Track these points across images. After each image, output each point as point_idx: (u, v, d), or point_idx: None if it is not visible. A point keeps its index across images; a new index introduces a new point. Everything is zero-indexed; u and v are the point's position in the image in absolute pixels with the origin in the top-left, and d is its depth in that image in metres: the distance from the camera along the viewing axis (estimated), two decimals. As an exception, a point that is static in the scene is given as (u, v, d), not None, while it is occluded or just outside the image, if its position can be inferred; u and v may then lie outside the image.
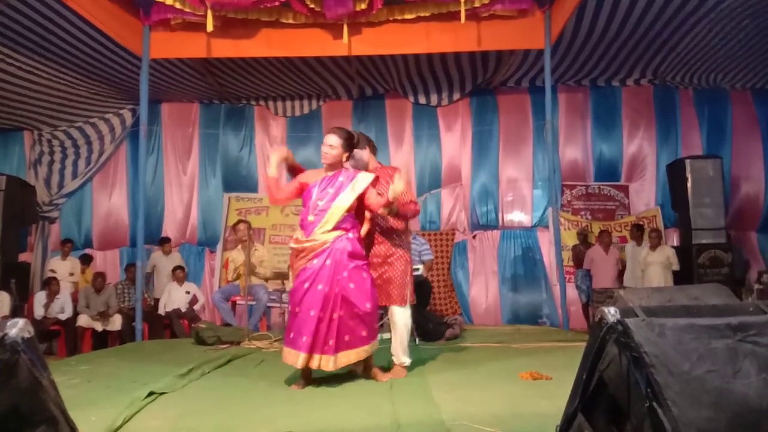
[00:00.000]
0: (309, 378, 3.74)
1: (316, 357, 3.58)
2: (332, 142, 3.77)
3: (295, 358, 3.59)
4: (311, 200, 3.75)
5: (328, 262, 3.62)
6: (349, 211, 3.74)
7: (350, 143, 3.84)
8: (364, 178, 3.80)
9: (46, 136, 8.96)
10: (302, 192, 3.85)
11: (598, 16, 6.90)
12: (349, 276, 3.63)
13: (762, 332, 1.75)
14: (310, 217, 3.72)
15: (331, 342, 3.57)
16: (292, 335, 3.64)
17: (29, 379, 1.70)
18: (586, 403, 1.91)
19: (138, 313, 6.79)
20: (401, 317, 4.03)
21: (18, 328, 1.71)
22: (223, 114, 9.36)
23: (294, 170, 4.08)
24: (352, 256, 3.67)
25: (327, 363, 3.58)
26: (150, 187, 8.82)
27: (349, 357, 3.64)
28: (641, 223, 8.42)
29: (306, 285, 3.63)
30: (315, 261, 3.65)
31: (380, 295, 3.91)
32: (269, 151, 3.97)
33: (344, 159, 3.85)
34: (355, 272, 3.65)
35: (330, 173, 3.81)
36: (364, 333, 3.67)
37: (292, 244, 3.80)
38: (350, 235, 3.72)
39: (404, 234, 4.14)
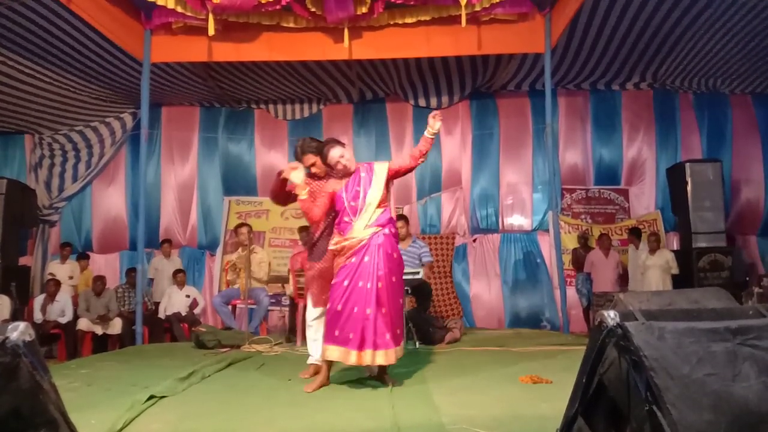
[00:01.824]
0: (326, 381, 3.76)
1: (369, 353, 3.59)
2: (344, 153, 3.85)
3: (346, 356, 3.62)
4: (344, 203, 3.79)
5: (366, 258, 3.66)
6: (380, 204, 3.78)
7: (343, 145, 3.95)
8: (381, 166, 3.88)
9: (47, 140, 8.98)
10: (333, 201, 3.90)
11: (597, 20, 6.92)
12: (385, 276, 3.65)
13: (761, 336, 1.76)
14: (346, 218, 3.78)
15: (388, 336, 3.59)
16: (337, 333, 3.64)
17: (30, 382, 1.71)
18: (586, 406, 1.92)
19: (138, 317, 6.79)
20: None
21: (19, 332, 1.72)
22: (224, 117, 9.37)
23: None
24: (389, 255, 3.70)
25: (389, 356, 3.59)
26: (149, 191, 8.83)
27: (398, 352, 3.67)
28: (639, 227, 8.41)
29: (346, 282, 3.66)
30: (354, 258, 3.69)
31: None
32: (288, 173, 3.98)
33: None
34: (390, 273, 3.68)
35: (349, 178, 3.87)
36: (398, 331, 3.72)
37: (332, 246, 3.85)
38: (386, 230, 3.75)
39: None
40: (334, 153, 3.84)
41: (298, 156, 4.13)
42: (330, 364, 3.75)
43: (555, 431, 2.03)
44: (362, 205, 3.75)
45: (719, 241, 7.80)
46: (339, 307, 3.65)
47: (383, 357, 3.60)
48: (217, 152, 9.28)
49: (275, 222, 9.22)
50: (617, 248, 8.32)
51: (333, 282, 3.76)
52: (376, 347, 3.58)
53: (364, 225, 3.72)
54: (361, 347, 3.58)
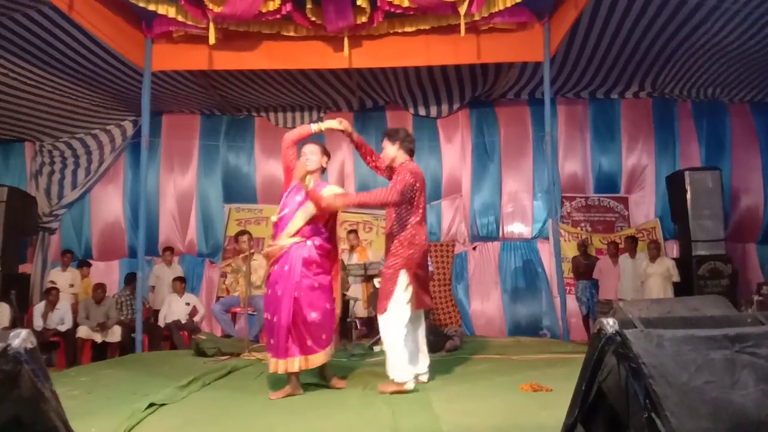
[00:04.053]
0: (294, 390, 3.80)
1: (282, 361, 3.73)
2: (314, 150, 4.03)
3: (272, 365, 3.77)
4: (281, 203, 3.98)
5: (286, 267, 3.80)
6: (312, 221, 3.90)
7: (326, 151, 4.13)
8: (329, 191, 3.97)
9: (47, 147, 9.00)
10: (288, 170, 4.06)
11: (596, 29, 6.96)
12: (303, 283, 3.78)
13: (759, 343, 1.77)
14: (274, 219, 3.98)
15: (295, 345, 3.73)
16: (272, 341, 3.81)
17: (32, 390, 1.72)
18: (586, 413, 1.92)
19: (138, 325, 6.78)
20: (381, 327, 3.93)
21: (21, 339, 1.73)
22: (224, 125, 9.40)
23: (360, 146, 4.29)
24: (308, 263, 3.82)
25: (293, 365, 3.72)
26: (148, 198, 8.81)
27: (317, 359, 3.79)
28: (636, 236, 8.40)
29: (269, 291, 3.85)
30: (276, 266, 3.84)
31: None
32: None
33: (324, 164, 4.08)
34: (307, 280, 3.79)
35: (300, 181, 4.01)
36: (323, 336, 3.83)
37: (262, 252, 3.99)
38: (308, 242, 3.86)
39: (404, 247, 3.95)
40: (305, 147, 4.05)
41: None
42: (296, 373, 3.80)
43: (555, 439, 2.03)
44: (291, 215, 3.89)
45: (719, 249, 7.80)
46: (266, 315, 3.82)
47: (293, 364, 3.72)
48: (217, 160, 9.29)
49: (275, 229, 9.22)
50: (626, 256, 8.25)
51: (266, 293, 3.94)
52: (287, 355, 3.72)
53: (289, 233, 3.85)
54: (277, 355, 3.73)
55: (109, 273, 9.13)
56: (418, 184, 3.97)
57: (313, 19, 6.46)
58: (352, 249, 7.74)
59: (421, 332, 4.15)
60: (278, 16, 6.36)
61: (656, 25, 6.81)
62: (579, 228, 9.08)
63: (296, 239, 3.84)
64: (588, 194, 9.15)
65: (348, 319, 6.63)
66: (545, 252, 8.78)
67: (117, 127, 9.09)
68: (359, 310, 7.31)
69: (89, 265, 8.81)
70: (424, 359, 4.11)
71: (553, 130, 7.70)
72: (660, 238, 8.61)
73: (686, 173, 7.98)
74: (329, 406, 3.47)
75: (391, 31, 6.89)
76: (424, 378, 4.05)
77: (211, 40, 6.34)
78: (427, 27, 6.79)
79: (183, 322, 7.73)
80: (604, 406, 1.89)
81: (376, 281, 6.18)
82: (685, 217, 7.90)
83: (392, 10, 6.31)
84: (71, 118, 8.51)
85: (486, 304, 8.82)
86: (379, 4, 6.26)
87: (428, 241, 4.14)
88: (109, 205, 9.25)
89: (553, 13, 6.80)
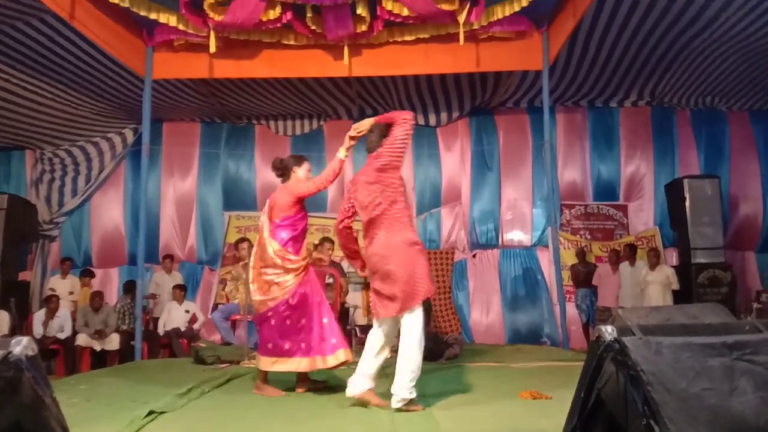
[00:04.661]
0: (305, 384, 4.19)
1: (331, 357, 4.05)
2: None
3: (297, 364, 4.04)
4: (306, 222, 4.29)
5: (312, 275, 4.23)
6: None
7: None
8: None
9: (47, 155, 9.02)
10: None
11: (595, 37, 6.99)
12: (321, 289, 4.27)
13: (758, 351, 1.77)
14: (302, 238, 4.28)
15: (333, 340, 4.06)
16: (302, 345, 4.05)
17: (32, 397, 1.72)
18: (585, 421, 1.93)
19: (138, 332, 6.77)
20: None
21: (22, 347, 1.73)
22: (225, 133, 9.42)
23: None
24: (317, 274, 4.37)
25: (324, 362, 4.06)
26: (148, 206, 8.81)
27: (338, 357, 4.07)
28: (635, 244, 8.40)
29: (302, 299, 4.12)
30: (305, 276, 4.18)
31: None
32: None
33: None
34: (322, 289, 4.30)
35: None
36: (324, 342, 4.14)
37: (290, 265, 4.12)
38: None
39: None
40: (305, 164, 4.36)
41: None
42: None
43: (554, 446, 2.03)
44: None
45: (718, 256, 7.80)
46: (303, 321, 4.07)
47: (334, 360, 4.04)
48: (218, 167, 9.31)
49: (275, 237, 9.20)
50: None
51: (298, 297, 4.09)
52: (325, 353, 4.04)
53: (309, 249, 4.35)
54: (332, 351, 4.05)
55: (108, 280, 9.13)
56: (349, 192, 3.96)
57: (313, 27, 6.49)
58: (351, 256, 7.73)
59: (383, 356, 3.64)
60: (278, 24, 6.40)
61: (656, 33, 6.84)
62: (578, 236, 9.09)
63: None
64: (587, 202, 9.17)
65: (347, 327, 6.62)
66: (545, 260, 8.78)
67: (117, 134, 9.12)
68: (359, 317, 7.30)
69: (93, 276, 8.75)
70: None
71: (552, 138, 7.72)
72: (659, 246, 8.62)
73: (685, 181, 8.00)
74: (329, 413, 3.46)
75: (391, 40, 6.92)
76: (350, 391, 3.49)
77: (212, 49, 6.37)
78: (426, 36, 6.82)
79: (182, 329, 7.72)
80: (603, 413, 1.89)
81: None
82: (684, 225, 7.91)
83: (392, 19, 6.35)
84: (72, 126, 8.53)
85: (486, 311, 8.81)
86: (378, 12, 6.30)
87: (370, 246, 3.96)
88: (109, 212, 9.25)
89: (551, 21, 6.84)
